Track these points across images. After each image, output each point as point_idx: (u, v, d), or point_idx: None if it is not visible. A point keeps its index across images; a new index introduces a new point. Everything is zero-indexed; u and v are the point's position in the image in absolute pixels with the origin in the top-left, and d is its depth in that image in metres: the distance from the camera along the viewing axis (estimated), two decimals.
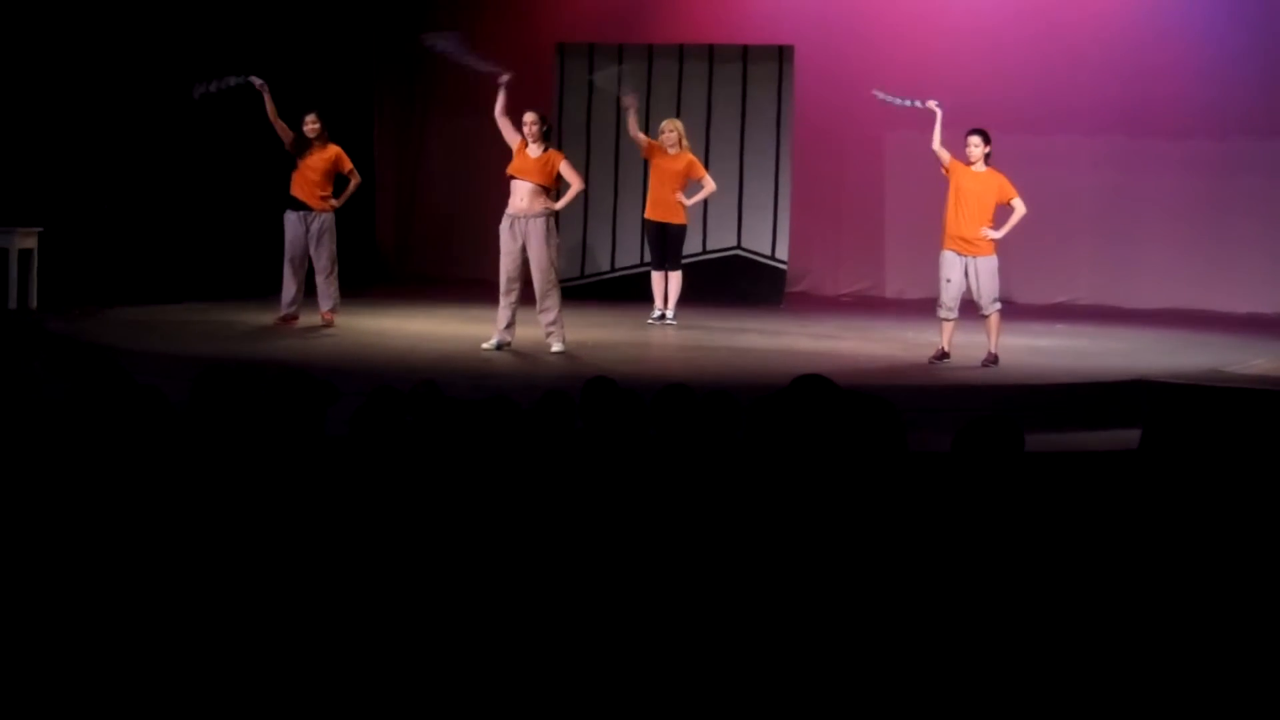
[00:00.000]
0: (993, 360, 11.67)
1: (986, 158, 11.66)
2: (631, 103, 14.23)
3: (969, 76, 16.36)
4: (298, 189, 13.14)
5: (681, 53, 16.38)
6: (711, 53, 16.35)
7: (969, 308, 11.78)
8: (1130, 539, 4.72)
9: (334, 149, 13.21)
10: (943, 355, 11.78)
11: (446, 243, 17.89)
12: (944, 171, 11.74)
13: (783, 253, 16.14)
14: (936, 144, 11.70)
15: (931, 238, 12.17)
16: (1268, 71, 16.03)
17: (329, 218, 13.17)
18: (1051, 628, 4.24)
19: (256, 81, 12.89)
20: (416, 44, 13.41)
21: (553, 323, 11.95)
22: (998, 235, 11.69)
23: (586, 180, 13.70)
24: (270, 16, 16.37)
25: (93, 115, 15.14)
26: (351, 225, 14.69)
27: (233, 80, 12.94)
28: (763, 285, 16.12)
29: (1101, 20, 16.40)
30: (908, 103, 12.00)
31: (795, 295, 16.55)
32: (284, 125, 13.05)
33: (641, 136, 14.24)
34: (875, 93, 12.30)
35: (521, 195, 11.89)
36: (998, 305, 11.72)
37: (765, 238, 16.17)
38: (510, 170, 11.94)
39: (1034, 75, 16.43)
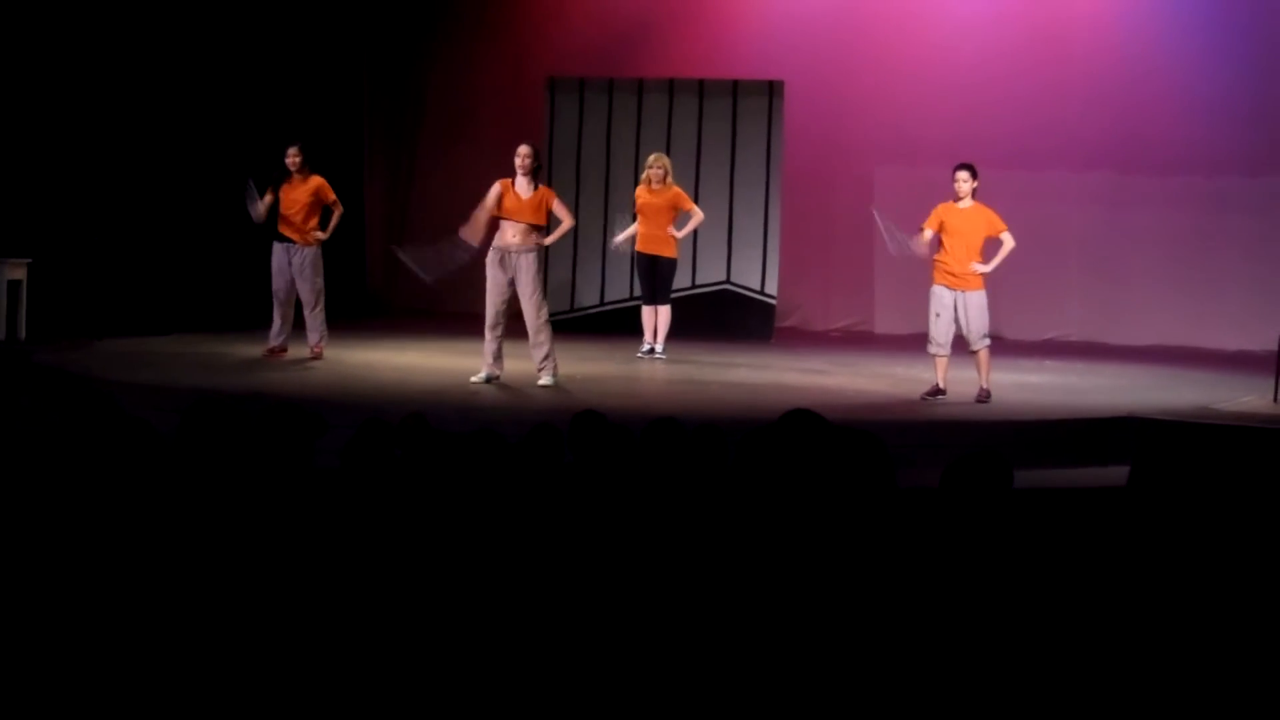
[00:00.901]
0: (985, 396, 11.66)
1: (974, 192, 11.67)
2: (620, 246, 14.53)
3: (959, 112, 16.42)
4: (282, 222, 13.18)
5: (671, 87, 16.41)
6: (701, 87, 16.38)
7: (961, 343, 11.77)
8: (1118, 575, 4.71)
9: (315, 180, 13.20)
10: (937, 391, 11.71)
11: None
12: (926, 226, 11.65)
13: (772, 287, 16.16)
14: (924, 240, 11.62)
15: (921, 273, 12.17)
16: (1257, 109, 16.09)
17: (312, 251, 13.17)
18: (1040, 664, 4.23)
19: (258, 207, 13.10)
20: (407, 78, 13.40)
21: (545, 357, 11.94)
22: (987, 269, 11.68)
23: (576, 215, 13.70)
24: (261, 52, 16.40)
25: (83, 146, 15.15)
26: (341, 258, 14.68)
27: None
28: (752, 320, 16.13)
29: (1091, 57, 16.45)
30: (895, 236, 11.88)
31: (785, 330, 16.56)
32: (268, 199, 13.17)
33: (624, 236, 14.42)
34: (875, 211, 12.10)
35: (514, 232, 11.87)
36: (987, 341, 11.69)
37: (755, 272, 16.18)
38: (502, 214, 11.89)
39: (1023, 111, 16.48)
